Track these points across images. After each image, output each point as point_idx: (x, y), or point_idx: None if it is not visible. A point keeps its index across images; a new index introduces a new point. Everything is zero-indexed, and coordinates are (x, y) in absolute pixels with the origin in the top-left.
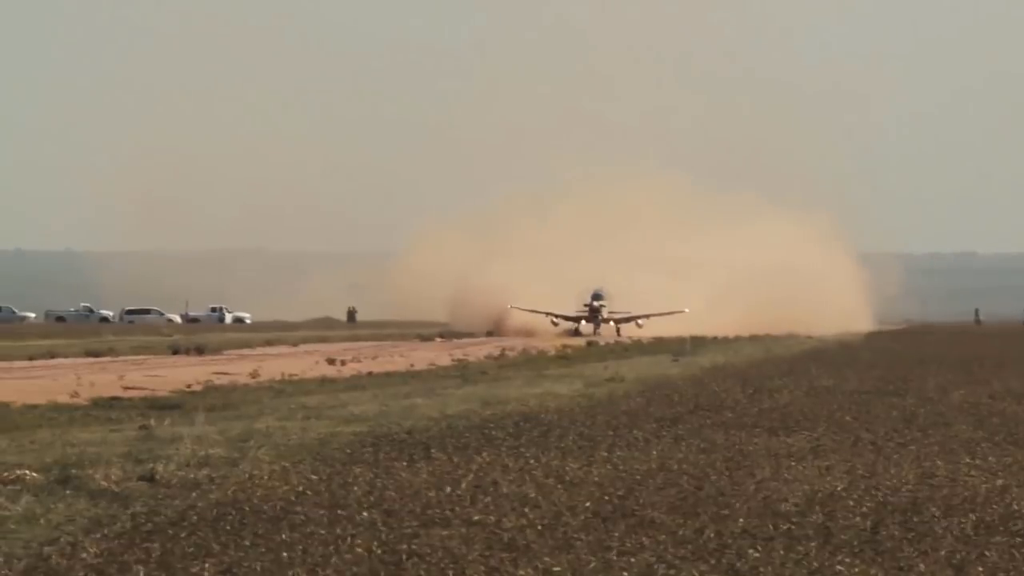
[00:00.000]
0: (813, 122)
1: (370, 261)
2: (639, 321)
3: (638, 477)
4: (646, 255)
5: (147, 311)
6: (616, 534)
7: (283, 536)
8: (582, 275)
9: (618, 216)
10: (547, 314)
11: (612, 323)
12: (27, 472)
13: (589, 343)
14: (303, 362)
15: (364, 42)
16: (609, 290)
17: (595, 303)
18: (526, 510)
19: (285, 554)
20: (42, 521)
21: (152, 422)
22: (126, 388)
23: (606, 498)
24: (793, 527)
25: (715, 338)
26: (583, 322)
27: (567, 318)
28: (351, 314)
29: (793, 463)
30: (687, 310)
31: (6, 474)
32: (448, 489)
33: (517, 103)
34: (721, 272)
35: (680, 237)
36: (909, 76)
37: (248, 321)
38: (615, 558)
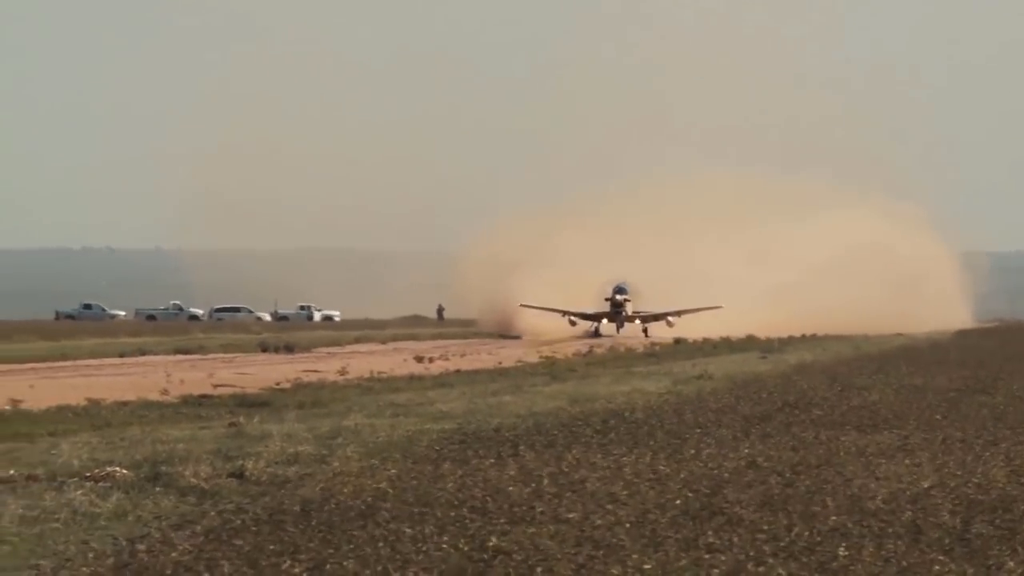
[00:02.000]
0: (898, 115)
1: (457, 259)
2: (670, 319)
3: (727, 475)
4: (721, 249)
5: (237, 309)
6: (705, 532)
7: (371, 533)
8: (646, 272)
9: (691, 211)
10: (563, 313)
11: (638, 322)
12: (118, 469)
13: (677, 340)
14: (392, 360)
15: (446, 43)
16: (636, 285)
17: (618, 297)
18: (614, 508)
19: (373, 551)
20: (132, 518)
21: (241, 419)
22: (216, 386)
23: (695, 496)
24: (882, 525)
25: (803, 336)
26: (604, 321)
27: (586, 316)
28: (440, 311)
29: (882, 461)
30: (723, 306)
31: (97, 471)
32: (536, 486)
33: (591, 104)
34: (804, 265)
35: (760, 230)
36: (991, 68)
37: (337, 319)
38: (704, 556)
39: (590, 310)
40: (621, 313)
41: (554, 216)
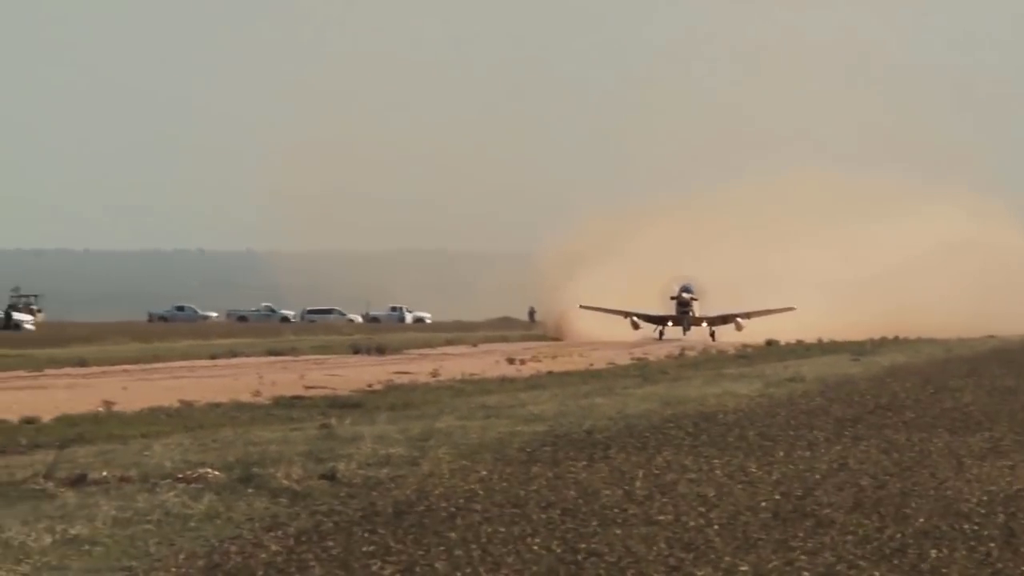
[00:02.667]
0: (984, 110)
1: (537, 260)
2: (739, 320)
3: (818, 477)
4: (803, 249)
5: (328, 311)
6: (797, 534)
7: (463, 534)
8: (725, 274)
9: (773, 212)
10: (626, 314)
11: (705, 324)
12: (210, 471)
13: (769, 342)
14: (483, 361)
15: (535, 50)
16: (703, 284)
17: (684, 295)
18: (706, 510)
19: (464, 552)
20: (223, 519)
21: (333, 421)
22: (307, 387)
23: (786, 498)
24: (975, 527)
25: (896, 338)
26: (670, 323)
27: (650, 319)
28: (532, 313)
29: (974, 463)
30: (796, 307)
31: (189, 472)
32: (627, 488)
33: (674, 108)
34: (889, 264)
35: (843, 230)
36: None
37: (428, 321)
38: (797, 557)
39: (655, 311)
40: (688, 314)
41: (635, 217)
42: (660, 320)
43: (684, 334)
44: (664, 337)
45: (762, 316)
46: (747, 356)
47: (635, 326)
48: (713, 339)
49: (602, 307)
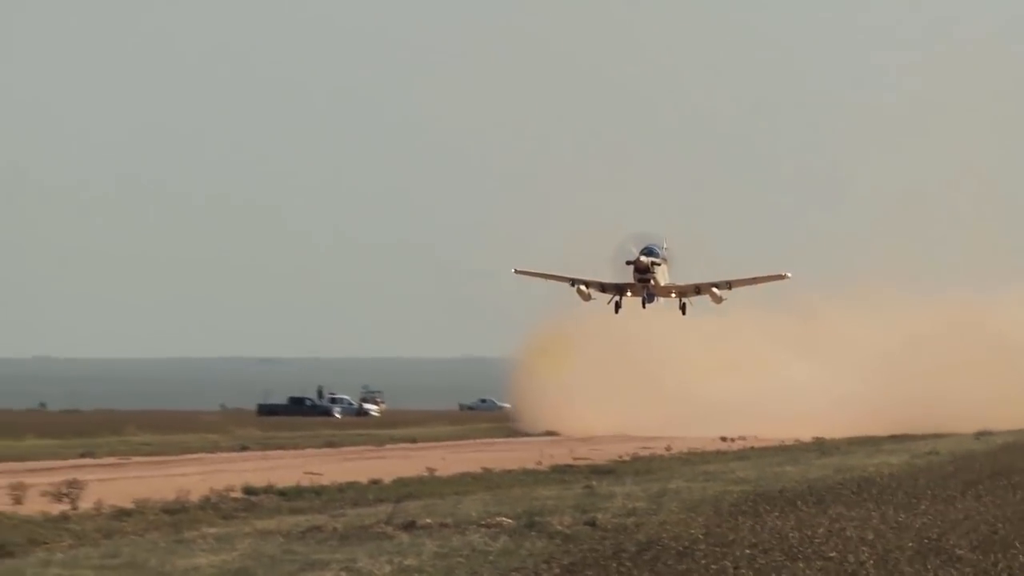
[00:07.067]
0: None
1: None
2: (716, 291)
3: (949, 524)
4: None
5: None
6: (932, 567)
7: (688, 567)
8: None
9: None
10: (572, 282)
11: (673, 295)
12: (504, 519)
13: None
14: (703, 440)
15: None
16: (672, 248)
17: (643, 259)
18: (865, 548)
19: None
20: (513, 555)
21: (594, 483)
22: (575, 458)
23: (925, 539)
24: None
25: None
26: (628, 293)
27: (603, 287)
28: None
29: None
30: (789, 274)
31: (489, 520)
32: (808, 533)
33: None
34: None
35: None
36: None
37: None
38: None
39: (608, 279)
40: (649, 282)
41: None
42: (617, 289)
43: (644, 307)
44: (619, 308)
45: (748, 285)
46: (898, 436)
47: (584, 296)
48: (684, 313)
49: (540, 272)
